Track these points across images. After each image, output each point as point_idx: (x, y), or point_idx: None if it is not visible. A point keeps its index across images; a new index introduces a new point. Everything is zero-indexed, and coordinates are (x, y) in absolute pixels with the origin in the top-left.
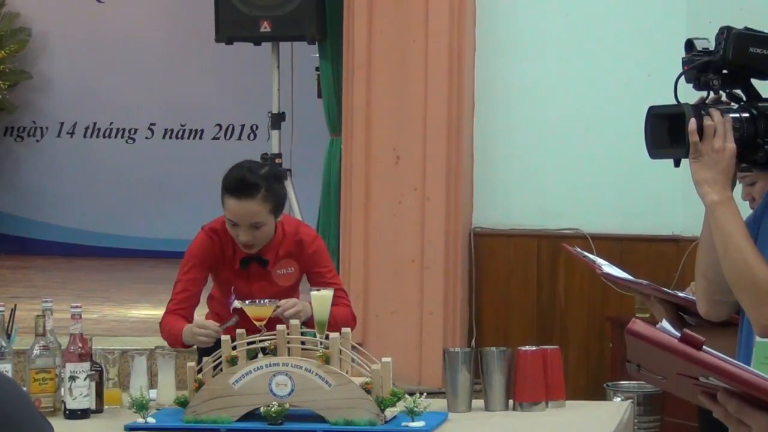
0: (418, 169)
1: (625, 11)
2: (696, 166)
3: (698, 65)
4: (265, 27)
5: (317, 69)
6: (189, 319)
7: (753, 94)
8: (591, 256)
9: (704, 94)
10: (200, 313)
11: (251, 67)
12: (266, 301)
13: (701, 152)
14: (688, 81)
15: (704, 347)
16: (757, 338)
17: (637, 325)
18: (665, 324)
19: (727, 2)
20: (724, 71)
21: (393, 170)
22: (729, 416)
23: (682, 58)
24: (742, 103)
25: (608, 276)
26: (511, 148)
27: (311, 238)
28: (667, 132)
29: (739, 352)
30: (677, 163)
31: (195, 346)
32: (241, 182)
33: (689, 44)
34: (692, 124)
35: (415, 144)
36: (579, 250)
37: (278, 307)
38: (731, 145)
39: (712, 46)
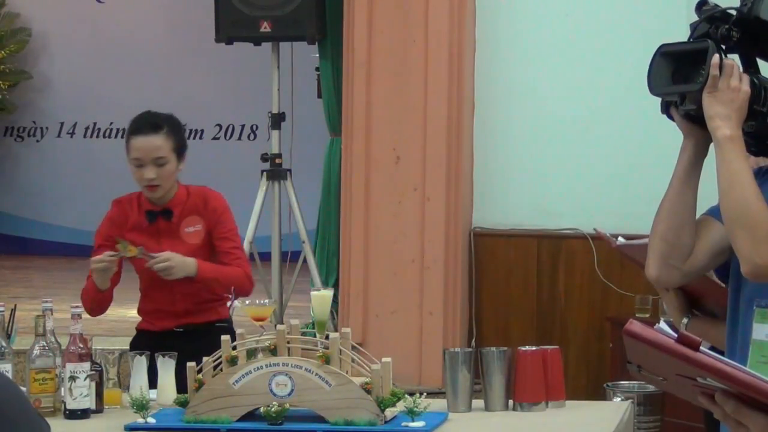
0: (418, 169)
1: (625, 11)
2: (710, 100)
3: (719, 13)
4: (265, 27)
5: (317, 69)
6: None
7: (756, 68)
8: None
9: None
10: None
11: (251, 67)
12: (266, 301)
13: (718, 87)
14: (694, 35)
15: (701, 348)
16: (754, 338)
17: (634, 325)
18: (662, 324)
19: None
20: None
21: (393, 170)
22: (727, 417)
23: (691, 23)
24: (750, 70)
25: (623, 247)
26: (511, 148)
27: (215, 195)
28: (675, 70)
29: (734, 352)
30: (682, 99)
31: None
32: (145, 120)
33: (701, 4)
34: (716, 58)
35: (415, 144)
36: (599, 230)
37: (152, 258)
38: (746, 88)
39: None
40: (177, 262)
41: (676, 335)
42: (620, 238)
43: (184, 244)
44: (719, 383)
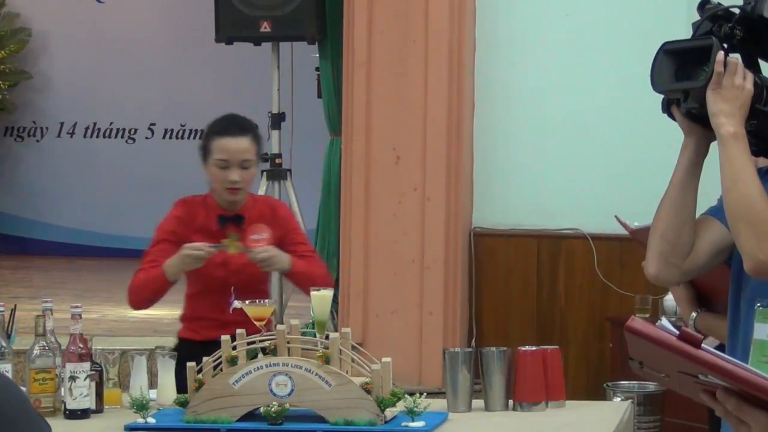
0: (418, 169)
1: (625, 11)
2: (714, 97)
3: (722, 11)
4: (265, 27)
5: (317, 69)
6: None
7: (757, 67)
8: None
9: None
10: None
11: (251, 67)
12: (266, 301)
13: (722, 84)
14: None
15: (703, 345)
16: (755, 338)
17: (636, 322)
18: (664, 321)
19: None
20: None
21: (393, 170)
22: (729, 414)
23: (693, 23)
24: (752, 70)
25: (637, 231)
26: (511, 148)
27: (282, 204)
28: (678, 67)
29: (735, 352)
30: (685, 96)
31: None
32: (233, 121)
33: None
34: (720, 55)
35: (415, 144)
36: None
37: (251, 251)
38: (750, 86)
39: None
40: (275, 252)
41: (677, 332)
42: (635, 222)
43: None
44: (720, 380)
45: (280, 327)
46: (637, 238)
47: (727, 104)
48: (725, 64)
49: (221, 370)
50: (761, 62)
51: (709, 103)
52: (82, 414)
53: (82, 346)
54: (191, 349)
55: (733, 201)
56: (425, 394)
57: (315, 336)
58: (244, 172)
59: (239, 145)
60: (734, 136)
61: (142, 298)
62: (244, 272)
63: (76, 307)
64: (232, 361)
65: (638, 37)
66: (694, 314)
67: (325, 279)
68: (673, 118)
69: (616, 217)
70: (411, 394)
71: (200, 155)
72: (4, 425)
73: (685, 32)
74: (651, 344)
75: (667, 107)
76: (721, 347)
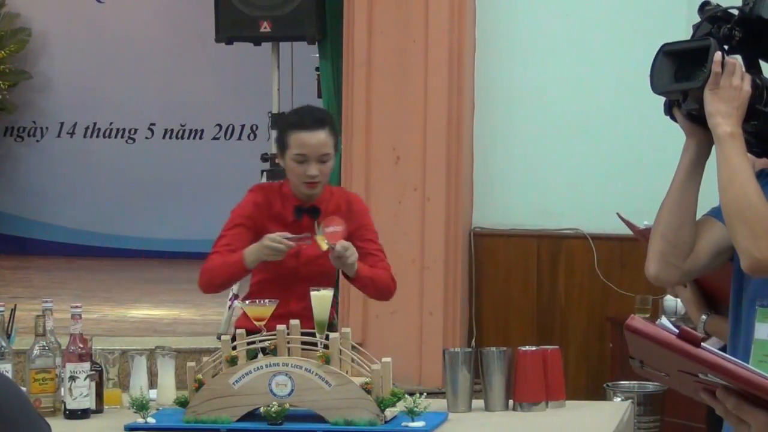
0: (418, 169)
1: (625, 11)
2: (712, 97)
3: (721, 12)
4: (265, 27)
5: (317, 69)
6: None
7: (758, 68)
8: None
9: None
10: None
11: (251, 67)
12: (266, 301)
13: (720, 85)
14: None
15: (702, 344)
16: (756, 337)
17: (636, 321)
18: (664, 320)
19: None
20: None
21: (393, 170)
22: (729, 413)
23: (693, 24)
24: (752, 71)
25: (644, 231)
26: (511, 148)
27: (357, 198)
28: (678, 68)
29: (736, 352)
30: (684, 97)
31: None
32: (310, 114)
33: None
34: (718, 55)
35: (415, 144)
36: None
37: (332, 249)
38: (748, 87)
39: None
40: (354, 252)
41: (677, 331)
42: (645, 222)
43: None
44: (720, 379)
45: (279, 327)
46: (646, 237)
47: (724, 105)
48: (723, 65)
49: (221, 370)
50: (762, 63)
51: (707, 104)
52: (82, 414)
53: (82, 346)
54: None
55: (729, 200)
56: (425, 394)
57: (315, 336)
58: (323, 165)
59: (317, 139)
60: (731, 136)
61: (216, 282)
62: (314, 263)
63: (76, 307)
64: (232, 361)
65: (638, 37)
66: (704, 317)
67: (387, 285)
68: (675, 120)
69: (617, 214)
70: (411, 394)
71: (276, 147)
72: (4, 425)
73: (685, 33)
74: (651, 343)
75: (668, 109)
76: (724, 348)
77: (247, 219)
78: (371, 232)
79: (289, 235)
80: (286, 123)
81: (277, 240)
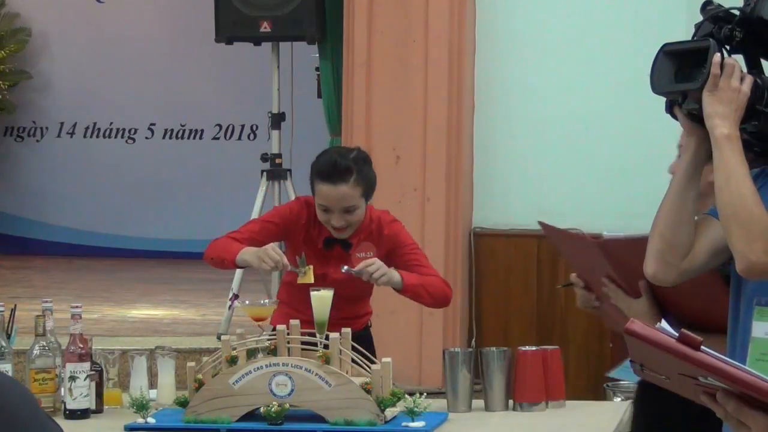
0: (418, 169)
1: (625, 11)
2: (710, 99)
3: (722, 13)
4: (265, 27)
5: (317, 69)
6: None
7: (759, 68)
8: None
9: None
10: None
11: (251, 67)
12: (266, 301)
13: (718, 86)
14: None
15: (702, 347)
16: (753, 336)
17: (635, 324)
18: (664, 323)
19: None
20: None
21: (393, 170)
22: (729, 416)
23: (695, 24)
24: (753, 71)
25: (609, 241)
26: (511, 148)
27: (389, 220)
28: (678, 69)
29: (734, 350)
30: (684, 97)
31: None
32: (333, 166)
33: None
34: (716, 57)
35: (415, 144)
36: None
37: (353, 271)
38: (746, 89)
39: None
40: (380, 264)
41: (676, 334)
42: (605, 233)
43: (352, 267)
44: (720, 383)
45: (279, 327)
46: (604, 251)
47: (723, 106)
48: (722, 67)
49: (221, 370)
50: (764, 63)
51: (705, 105)
52: (82, 414)
53: (82, 346)
54: None
55: (725, 201)
56: (425, 394)
57: (315, 336)
58: (348, 215)
59: (339, 193)
60: (728, 138)
61: (209, 257)
62: (341, 287)
63: (76, 307)
64: (232, 361)
65: (638, 37)
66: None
67: (441, 289)
68: (676, 119)
69: (539, 222)
70: (411, 394)
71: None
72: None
73: (685, 33)
74: (651, 347)
75: (669, 108)
76: None
77: (283, 221)
78: (408, 247)
79: (286, 264)
80: (314, 167)
81: (273, 258)
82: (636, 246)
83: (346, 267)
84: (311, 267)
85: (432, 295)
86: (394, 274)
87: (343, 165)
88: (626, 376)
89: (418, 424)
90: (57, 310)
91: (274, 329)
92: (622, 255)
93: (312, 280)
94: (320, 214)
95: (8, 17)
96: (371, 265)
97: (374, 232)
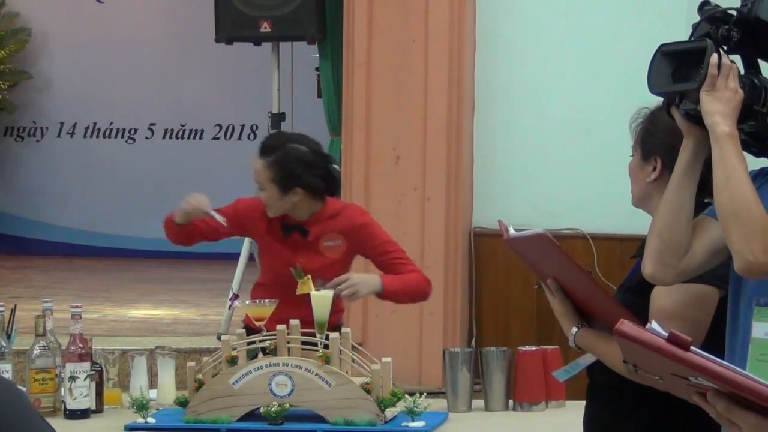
0: (418, 169)
1: (625, 11)
2: (708, 98)
3: (720, 13)
4: (265, 27)
5: (317, 69)
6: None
7: (757, 68)
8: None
9: None
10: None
11: (251, 67)
12: (266, 301)
13: (716, 86)
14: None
15: (692, 347)
16: (753, 336)
17: (625, 326)
18: (654, 324)
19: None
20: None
21: (393, 170)
22: (721, 416)
23: (693, 24)
24: (751, 71)
25: (512, 240)
26: (511, 148)
27: (358, 212)
28: (675, 69)
29: (734, 351)
30: (681, 98)
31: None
32: (264, 140)
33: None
34: (714, 57)
35: (415, 144)
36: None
37: (323, 284)
38: (741, 92)
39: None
40: (357, 281)
41: (666, 335)
42: (512, 229)
43: (323, 257)
44: (710, 382)
45: (279, 327)
46: (513, 248)
47: (722, 105)
48: (719, 67)
49: (221, 370)
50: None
51: (703, 104)
52: (82, 414)
53: (82, 346)
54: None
55: (724, 200)
56: (425, 394)
57: (315, 336)
58: (261, 192)
59: (255, 165)
60: (729, 136)
61: (167, 234)
62: (317, 276)
63: (76, 307)
64: (232, 361)
65: (638, 37)
66: (574, 329)
67: (421, 288)
68: (673, 119)
69: (499, 221)
70: (411, 394)
71: None
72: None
73: (685, 33)
74: (640, 347)
75: (667, 108)
76: (597, 364)
77: (236, 209)
78: (384, 243)
79: (218, 218)
80: None
81: (194, 197)
82: (537, 243)
83: (320, 281)
84: (309, 277)
85: (410, 295)
86: (372, 285)
87: (269, 143)
88: (560, 376)
89: (418, 424)
90: (57, 310)
91: (246, 329)
92: (527, 253)
93: (312, 290)
94: None
95: (8, 17)
96: (345, 281)
97: (342, 223)
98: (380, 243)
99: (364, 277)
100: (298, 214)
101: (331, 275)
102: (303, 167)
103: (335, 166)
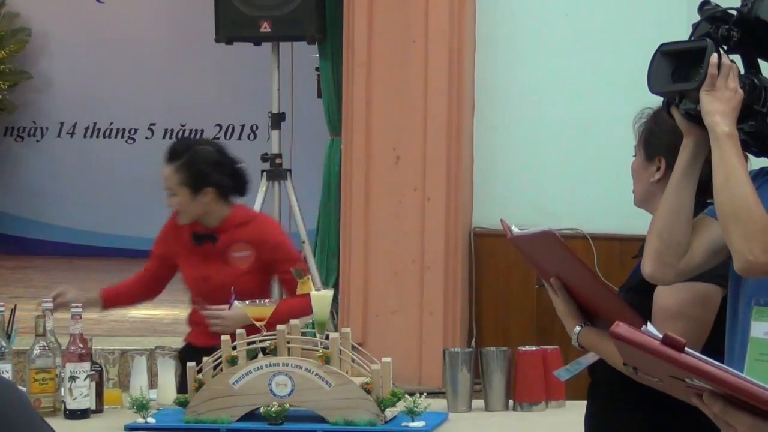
0: (418, 169)
1: (624, 11)
2: (708, 98)
3: (720, 13)
4: (265, 27)
5: (317, 69)
6: (119, 288)
7: (757, 68)
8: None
9: None
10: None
11: (251, 67)
12: (266, 301)
13: (716, 86)
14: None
15: (686, 349)
16: (752, 335)
17: (620, 327)
18: (649, 326)
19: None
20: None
21: (393, 170)
22: (717, 417)
23: (693, 24)
24: (751, 71)
25: (516, 238)
26: (511, 149)
27: (268, 228)
28: (675, 68)
29: (733, 350)
30: (681, 97)
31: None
32: (171, 146)
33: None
34: (714, 57)
35: (415, 144)
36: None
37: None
38: (741, 92)
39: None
40: (229, 318)
41: (660, 336)
42: (515, 228)
43: (232, 268)
44: (705, 384)
45: (279, 327)
46: (517, 246)
47: (722, 105)
48: (719, 67)
49: (221, 370)
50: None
51: (703, 103)
52: (82, 414)
53: (82, 346)
54: (193, 353)
55: (724, 200)
56: (425, 394)
57: (315, 336)
58: (171, 199)
59: (163, 172)
60: (729, 136)
61: None
62: (223, 290)
63: (76, 307)
64: (232, 361)
65: (638, 37)
66: (577, 328)
67: (304, 311)
68: (673, 118)
69: (501, 220)
70: (411, 394)
71: None
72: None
73: (685, 33)
74: (636, 349)
75: (667, 107)
76: (599, 363)
77: (157, 243)
78: (285, 261)
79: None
80: None
81: (59, 300)
82: (542, 240)
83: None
84: (309, 277)
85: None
86: (243, 323)
87: (176, 147)
88: (562, 376)
89: (418, 424)
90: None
91: (186, 346)
92: (532, 251)
93: (312, 289)
94: None
95: (8, 17)
96: (218, 317)
97: (250, 234)
98: (284, 260)
99: (239, 316)
100: (209, 220)
101: (244, 287)
102: (211, 167)
103: (242, 165)
